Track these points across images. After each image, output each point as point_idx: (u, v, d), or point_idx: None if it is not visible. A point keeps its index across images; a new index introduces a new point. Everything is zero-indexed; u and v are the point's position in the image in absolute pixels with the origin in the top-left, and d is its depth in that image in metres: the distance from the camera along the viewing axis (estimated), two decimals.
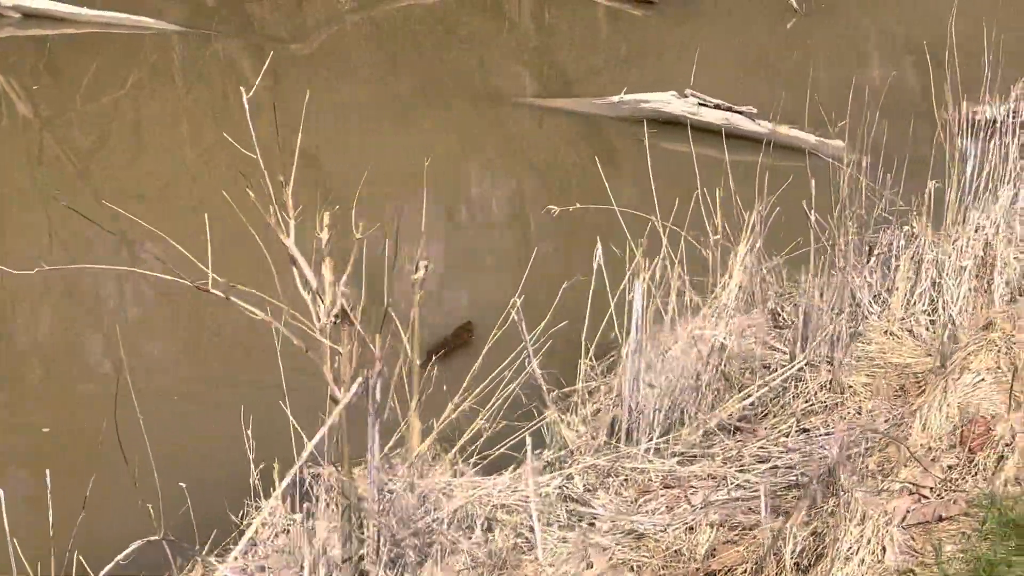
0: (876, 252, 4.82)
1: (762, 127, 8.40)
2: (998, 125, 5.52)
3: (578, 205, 5.01)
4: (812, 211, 4.58)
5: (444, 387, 3.63)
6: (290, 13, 12.33)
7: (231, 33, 10.37)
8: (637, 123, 8.63)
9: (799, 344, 4.16)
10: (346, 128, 8.73)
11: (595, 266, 4.00)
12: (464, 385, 3.67)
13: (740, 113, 8.52)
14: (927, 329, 4.51)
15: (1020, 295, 4.66)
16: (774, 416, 4.05)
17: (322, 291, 2.89)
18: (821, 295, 4.20)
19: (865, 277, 4.61)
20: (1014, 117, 5.45)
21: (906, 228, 4.85)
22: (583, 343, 4.07)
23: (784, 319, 4.50)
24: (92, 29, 9.90)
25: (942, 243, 4.67)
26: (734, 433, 3.97)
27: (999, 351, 4.03)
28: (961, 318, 4.42)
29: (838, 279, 4.35)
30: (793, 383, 4.11)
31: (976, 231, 4.73)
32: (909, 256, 4.61)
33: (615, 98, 8.79)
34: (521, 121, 8.82)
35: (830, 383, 4.11)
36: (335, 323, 2.95)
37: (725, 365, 4.07)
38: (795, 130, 8.33)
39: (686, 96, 8.70)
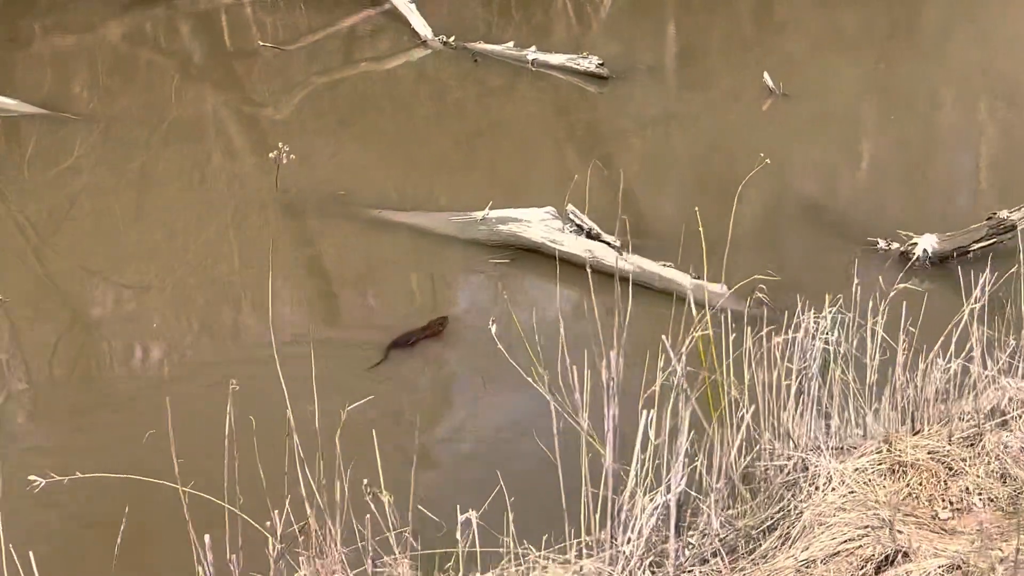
0: None
1: (628, 263, 6.84)
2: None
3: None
4: None
5: None
6: (268, 76, 11.40)
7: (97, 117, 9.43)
8: (494, 248, 7.24)
9: None
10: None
11: None
12: None
13: (607, 244, 7.00)
14: None
15: None
16: None
17: None
18: None
19: None
20: None
21: None
22: None
23: None
24: None
25: None
26: None
27: None
28: None
29: None
30: None
31: None
32: None
33: (478, 214, 7.38)
34: (354, 239, 7.53)
35: None
36: None
37: None
38: (669, 269, 6.77)
39: (568, 215, 7.22)
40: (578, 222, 7.18)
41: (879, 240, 7.08)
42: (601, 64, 9.82)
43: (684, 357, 3.60)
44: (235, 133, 10.05)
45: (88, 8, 12.72)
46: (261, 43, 10.96)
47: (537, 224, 7.22)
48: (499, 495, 3.40)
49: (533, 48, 10.20)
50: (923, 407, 3.81)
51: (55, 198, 8.28)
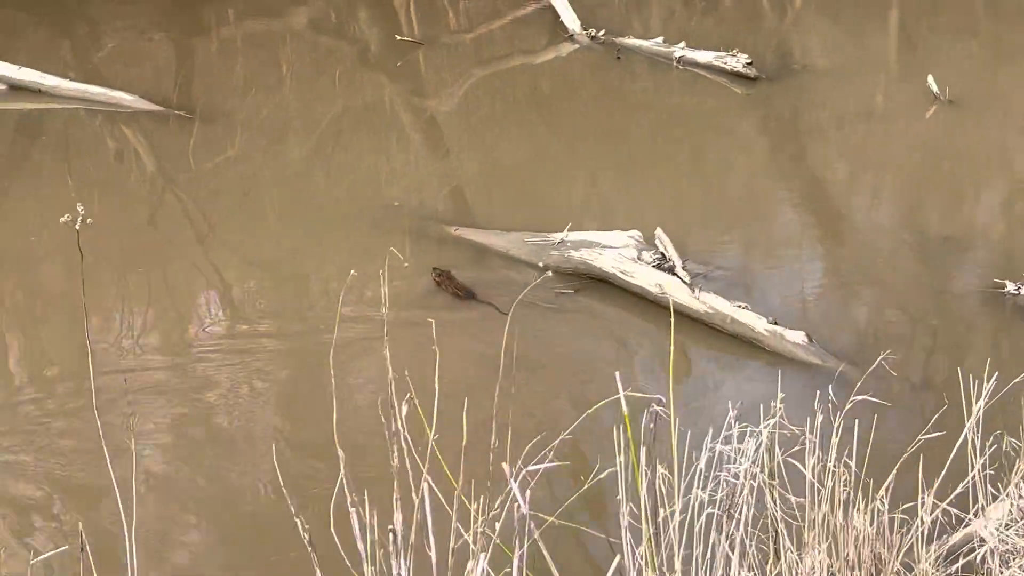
0: None
1: (701, 302, 6.10)
2: None
3: None
4: None
5: None
6: (439, 66, 11.08)
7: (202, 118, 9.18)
8: (566, 275, 6.58)
9: None
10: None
11: None
12: None
13: (679, 278, 6.25)
14: None
15: None
16: None
17: None
18: None
19: None
20: None
21: None
22: None
23: None
24: (74, 105, 9.18)
25: None
26: None
27: None
28: None
29: None
30: None
31: None
32: None
33: (556, 236, 6.75)
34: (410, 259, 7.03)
35: None
36: None
37: None
38: (744, 311, 5.98)
39: (656, 241, 6.51)
40: (662, 250, 6.45)
41: (1007, 283, 6.02)
42: (749, 63, 8.93)
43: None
44: (404, 125, 9.76)
45: None
46: (398, 37, 10.62)
47: (611, 252, 6.53)
48: None
49: (682, 44, 9.40)
50: (853, 561, 3.00)
51: (221, 189, 8.11)
